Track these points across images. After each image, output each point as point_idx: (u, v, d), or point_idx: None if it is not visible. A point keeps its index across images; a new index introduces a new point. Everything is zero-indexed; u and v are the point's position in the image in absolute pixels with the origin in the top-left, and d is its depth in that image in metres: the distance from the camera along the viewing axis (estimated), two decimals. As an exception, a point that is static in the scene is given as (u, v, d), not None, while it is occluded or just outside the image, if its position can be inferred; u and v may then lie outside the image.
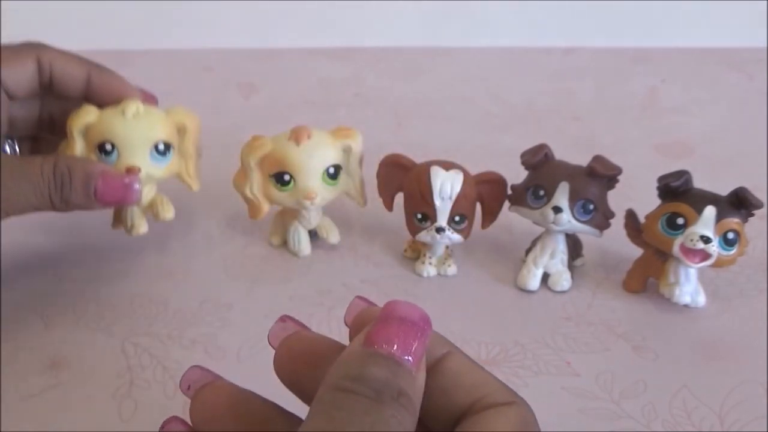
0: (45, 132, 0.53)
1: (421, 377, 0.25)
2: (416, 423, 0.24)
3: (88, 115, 0.48)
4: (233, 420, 0.28)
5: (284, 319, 0.30)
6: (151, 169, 0.49)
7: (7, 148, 0.52)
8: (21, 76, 0.47)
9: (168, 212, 0.52)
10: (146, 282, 0.53)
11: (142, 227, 0.53)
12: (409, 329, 0.25)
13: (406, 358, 0.24)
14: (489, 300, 0.52)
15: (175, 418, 0.29)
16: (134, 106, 0.48)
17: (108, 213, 0.53)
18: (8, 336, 0.47)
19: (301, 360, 0.28)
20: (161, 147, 0.50)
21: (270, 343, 0.29)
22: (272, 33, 1.06)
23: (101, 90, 0.49)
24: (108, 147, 0.48)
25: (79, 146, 0.49)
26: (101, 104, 0.49)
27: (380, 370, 0.24)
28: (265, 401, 0.29)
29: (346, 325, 0.29)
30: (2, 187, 0.42)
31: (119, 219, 0.54)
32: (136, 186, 0.46)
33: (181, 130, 0.51)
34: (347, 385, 0.23)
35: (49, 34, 1.09)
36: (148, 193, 0.52)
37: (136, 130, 0.49)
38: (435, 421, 0.27)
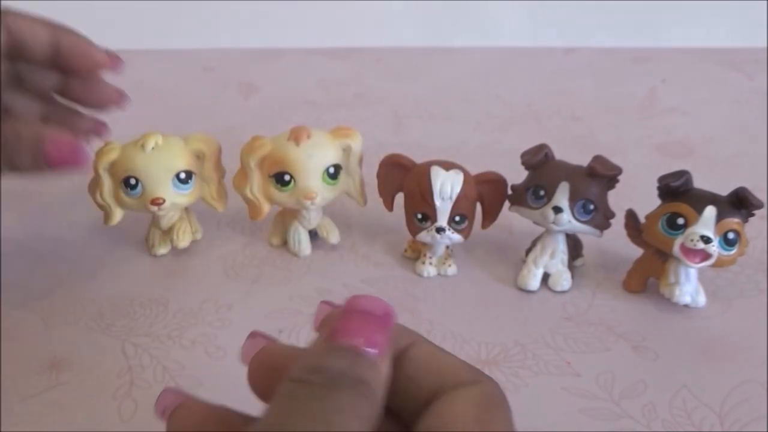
0: (12, 92, 0.50)
1: (385, 367, 0.25)
2: (377, 412, 0.24)
3: (111, 152, 0.51)
4: None
5: (254, 335, 0.30)
6: (176, 197, 0.52)
7: None
8: None
9: (182, 241, 0.55)
10: (146, 282, 0.53)
11: (161, 249, 0.56)
12: (371, 322, 0.25)
13: (369, 350, 0.24)
14: (489, 300, 0.52)
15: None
16: (153, 140, 0.51)
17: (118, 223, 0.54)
18: (8, 336, 0.48)
19: (273, 373, 0.28)
20: (182, 176, 0.52)
21: (242, 361, 0.29)
22: (272, 33, 1.06)
23: (68, 53, 0.48)
24: (132, 181, 0.51)
25: (106, 183, 0.52)
26: (69, 68, 0.48)
27: (339, 361, 0.24)
28: (240, 415, 0.29)
29: (315, 330, 0.29)
30: None
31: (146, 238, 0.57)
32: (85, 149, 0.44)
33: (200, 156, 0.53)
34: (303, 376, 0.23)
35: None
36: (171, 217, 0.55)
37: (157, 163, 0.51)
38: (405, 410, 0.27)
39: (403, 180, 0.52)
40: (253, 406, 0.43)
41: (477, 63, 1.01)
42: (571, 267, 0.53)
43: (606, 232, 0.51)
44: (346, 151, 0.53)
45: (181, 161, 0.52)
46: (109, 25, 1.04)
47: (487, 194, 0.52)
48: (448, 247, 0.55)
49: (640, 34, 1.05)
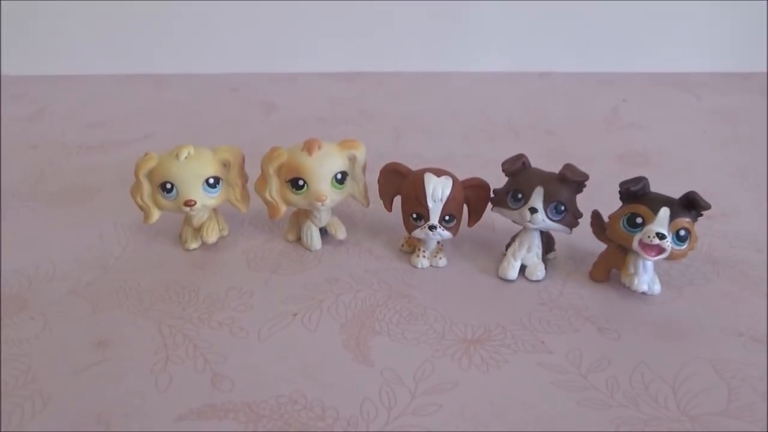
0: None
1: None
2: None
3: (150, 161, 0.51)
4: None
5: None
6: (205, 199, 0.52)
7: None
8: None
9: (211, 237, 0.55)
10: (180, 272, 0.53)
11: (193, 244, 0.56)
12: None
13: None
14: (474, 288, 0.52)
15: None
16: (185, 150, 0.51)
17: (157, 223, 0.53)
18: (61, 318, 0.47)
19: None
20: (211, 181, 0.52)
21: None
22: (289, 59, 1.06)
23: None
24: (168, 186, 0.51)
25: (146, 187, 0.52)
26: None
27: None
28: None
29: None
30: None
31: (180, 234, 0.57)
32: None
33: (226, 165, 0.53)
34: None
35: (97, 59, 1.09)
36: (201, 217, 0.55)
37: (189, 170, 0.51)
38: None
39: (401, 185, 0.52)
40: (268, 380, 0.43)
41: (465, 85, 1.01)
42: (544, 259, 0.53)
43: (575, 229, 0.51)
44: (352, 160, 0.53)
45: (210, 168, 0.52)
46: (150, 52, 1.04)
47: (472, 197, 0.52)
48: (439, 242, 0.54)
49: (604, 60, 1.05)
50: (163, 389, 0.41)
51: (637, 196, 0.47)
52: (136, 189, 0.52)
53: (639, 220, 0.46)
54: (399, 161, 0.53)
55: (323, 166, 0.51)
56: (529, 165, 0.51)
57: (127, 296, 0.50)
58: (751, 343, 0.45)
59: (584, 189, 0.50)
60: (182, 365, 0.43)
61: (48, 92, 0.97)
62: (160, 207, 0.53)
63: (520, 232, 0.53)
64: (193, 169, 0.51)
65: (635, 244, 0.46)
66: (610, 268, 0.52)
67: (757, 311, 0.49)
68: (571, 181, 0.48)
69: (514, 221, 0.51)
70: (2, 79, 1.03)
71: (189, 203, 0.51)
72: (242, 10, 1.01)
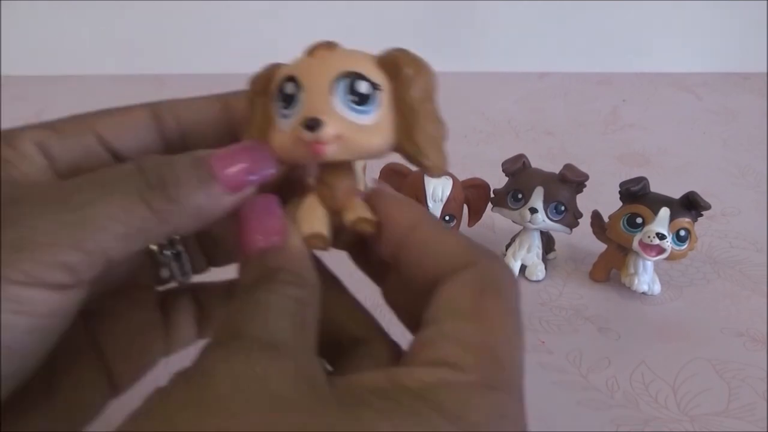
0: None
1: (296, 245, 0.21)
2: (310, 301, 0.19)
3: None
4: None
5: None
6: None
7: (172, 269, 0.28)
8: (130, 134, 0.24)
9: None
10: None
11: None
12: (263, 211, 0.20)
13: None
14: (474, 288, 0.52)
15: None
16: None
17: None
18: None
19: None
20: None
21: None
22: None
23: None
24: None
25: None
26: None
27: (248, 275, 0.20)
28: None
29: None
30: (69, 224, 0.19)
31: None
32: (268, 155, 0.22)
33: None
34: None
35: (97, 59, 1.09)
36: None
37: None
38: (415, 302, 0.20)
39: (401, 185, 0.52)
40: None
41: (465, 85, 1.00)
42: (544, 260, 0.53)
43: (575, 229, 0.51)
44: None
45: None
46: (148, 52, 1.04)
47: (473, 197, 0.52)
48: (439, 242, 0.54)
49: (603, 60, 1.04)
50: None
51: (637, 196, 0.47)
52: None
53: (639, 220, 0.46)
54: (399, 162, 0.53)
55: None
56: (529, 165, 0.51)
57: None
58: (751, 343, 0.45)
59: (584, 189, 0.50)
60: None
61: (48, 92, 0.97)
62: None
63: (520, 232, 0.52)
64: None
65: (635, 244, 0.46)
66: (610, 268, 0.52)
67: (757, 311, 0.49)
68: (571, 181, 0.48)
69: (514, 221, 0.51)
70: (2, 79, 1.03)
71: None
72: (242, 10, 1.01)
